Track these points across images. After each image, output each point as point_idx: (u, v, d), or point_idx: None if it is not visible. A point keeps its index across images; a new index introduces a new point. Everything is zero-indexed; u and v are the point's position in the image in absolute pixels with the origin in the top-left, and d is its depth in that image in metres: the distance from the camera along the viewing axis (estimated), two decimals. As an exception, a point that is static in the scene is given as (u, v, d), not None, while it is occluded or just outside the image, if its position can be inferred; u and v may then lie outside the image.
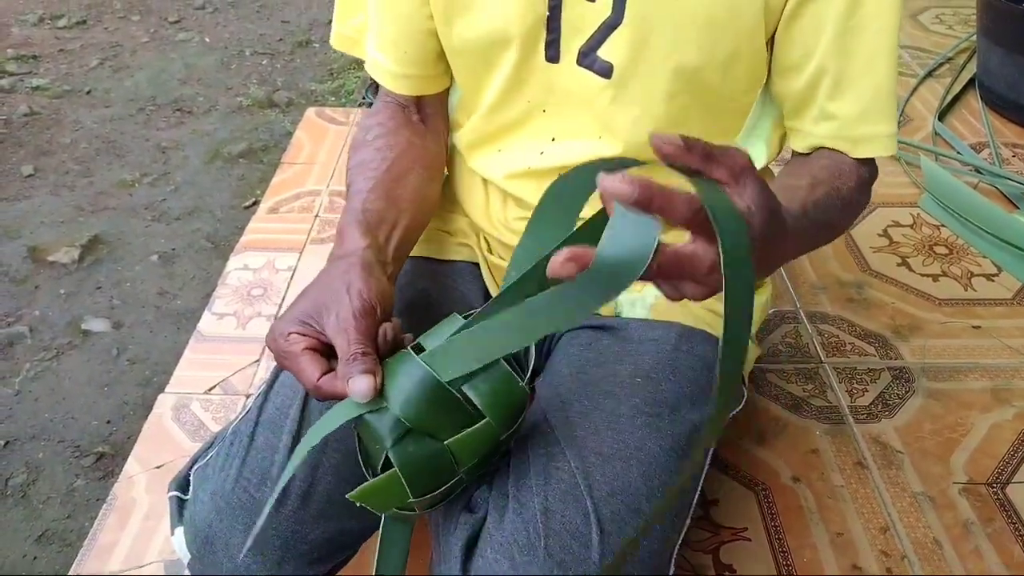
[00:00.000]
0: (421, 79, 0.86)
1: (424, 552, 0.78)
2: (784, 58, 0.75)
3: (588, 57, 0.75)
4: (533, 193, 0.83)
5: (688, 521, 0.76)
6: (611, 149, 0.78)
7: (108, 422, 1.40)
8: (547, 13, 0.74)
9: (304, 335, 0.64)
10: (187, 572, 0.75)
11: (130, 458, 1.15)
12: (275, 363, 0.81)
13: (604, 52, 0.74)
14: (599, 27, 0.74)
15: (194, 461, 0.79)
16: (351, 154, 0.84)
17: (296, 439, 0.73)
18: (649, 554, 0.69)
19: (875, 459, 1.09)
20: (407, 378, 0.60)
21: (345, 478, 0.73)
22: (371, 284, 0.66)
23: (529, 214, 0.86)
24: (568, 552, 0.65)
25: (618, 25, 0.73)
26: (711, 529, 1.00)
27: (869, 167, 0.78)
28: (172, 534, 0.76)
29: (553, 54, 0.76)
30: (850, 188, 0.73)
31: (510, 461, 0.73)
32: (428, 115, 0.88)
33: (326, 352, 0.64)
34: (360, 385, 0.59)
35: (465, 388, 0.61)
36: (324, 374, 0.62)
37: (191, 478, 0.77)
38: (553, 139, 0.81)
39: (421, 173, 0.83)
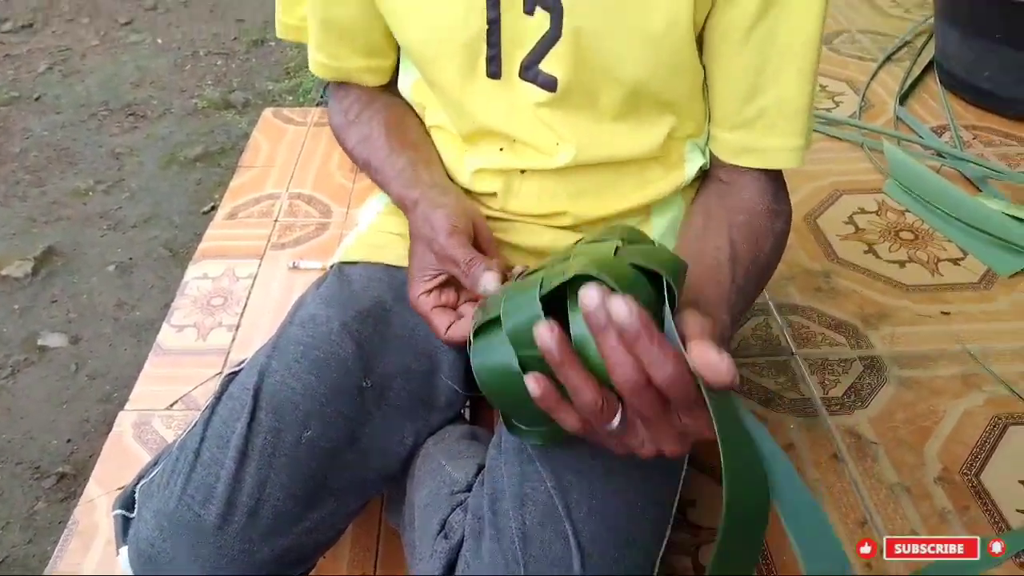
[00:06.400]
0: (371, 70, 0.88)
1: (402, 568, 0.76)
2: (708, 66, 0.75)
3: (530, 71, 0.74)
4: (492, 190, 0.82)
5: (669, 532, 0.75)
6: (567, 155, 0.77)
7: (68, 440, 1.36)
8: (486, 27, 0.72)
9: (430, 290, 0.74)
10: None
11: (90, 480, 1.11)
12: (225, 374, 0.79)
13: (546, 66, 0.73)
14: (539, 41, 0.72)
15: (140, 478, 0.77)
16: (343, 137, 0.88)
17: (243, 455, 0.70)
18: (631, 571, 0.67)
19: (850, 451, 1.08)
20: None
21: (294, 494, 0.72)
22: (445, 208, 0.74)
23: (487, 210, 0.85)
24: None
25: (558, 39, 0.71)
26: (690, 530, 0.99)
27: (783, 200, 0.79)
28: (117, 554, 0.74)
29: (495, 70, 0.75)
30: (766, 254, 0.75)
31: (485, 480, 0.71)
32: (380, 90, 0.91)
33: (454, 303, 0.74)
34: (486, 281, 0.67)
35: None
36: (451, 325, 0.72)
37: (136, 495, 0.74)
38: (514, 140, 0.79)
39: (412, 113, 0.89)
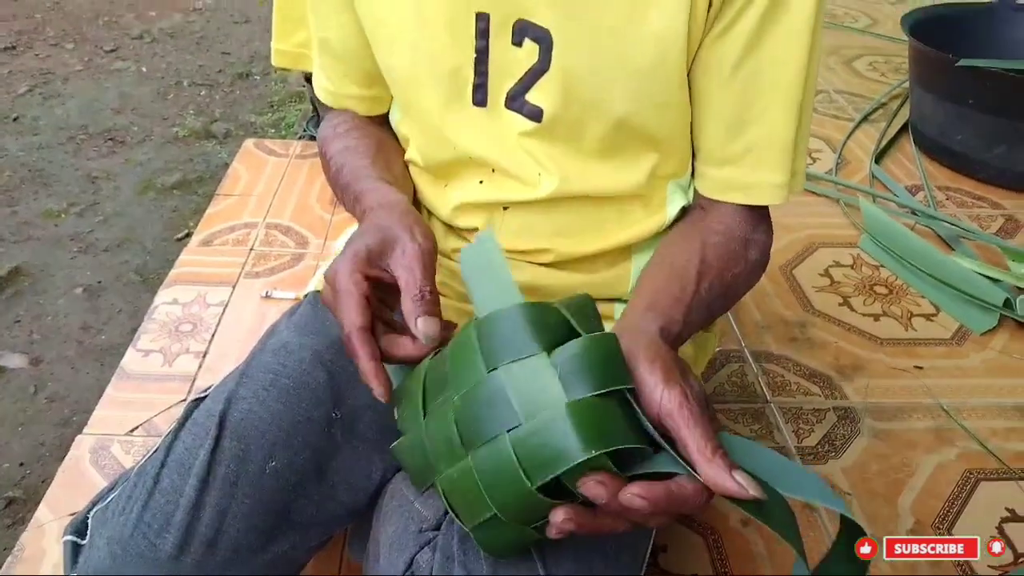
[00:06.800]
0: (365, 100, 0.85)
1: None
2: (693, 102, 0.75)
3: (516, 101, 0.74)
4: (474, 225, 0.81)
5: (643, 573, 0.73)
6: (549, 187, 0.76)
7: (21, 464, 1.31)
8: (474, 55, 0.72)
9: (368, 278, 0.61)
10: None
11: (41, 504, 1.07)
12: (190, 400, 0.76)
13: (533, 97, 0.73)
14: (526, 72, 0.72)
15: (94, 503, 0.73)
16: (326, 147, 0.83)
17: (204, 483, 0.68)
18: None
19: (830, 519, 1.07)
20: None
21: (255, 525, 0.69)
22: (428, 228, 0.66)
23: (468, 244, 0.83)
24: None
25: (545, 71, 0.71)
26: None
27: (762, 230, 0.78)
28: None
29: (480, 98, 0.74)
30: (735, 274, 0.74)
31: (454, 519, 0.69)
32: (380, 119, 0.89)
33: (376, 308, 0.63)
34: (427, 327, 0.59)
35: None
36: (366, 328, 0.60)
37: (89, 521, 0.71)
38: (493, 170, 0.79)
39: (400, 151, 0.85)
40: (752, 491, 0.49)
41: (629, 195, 0.79)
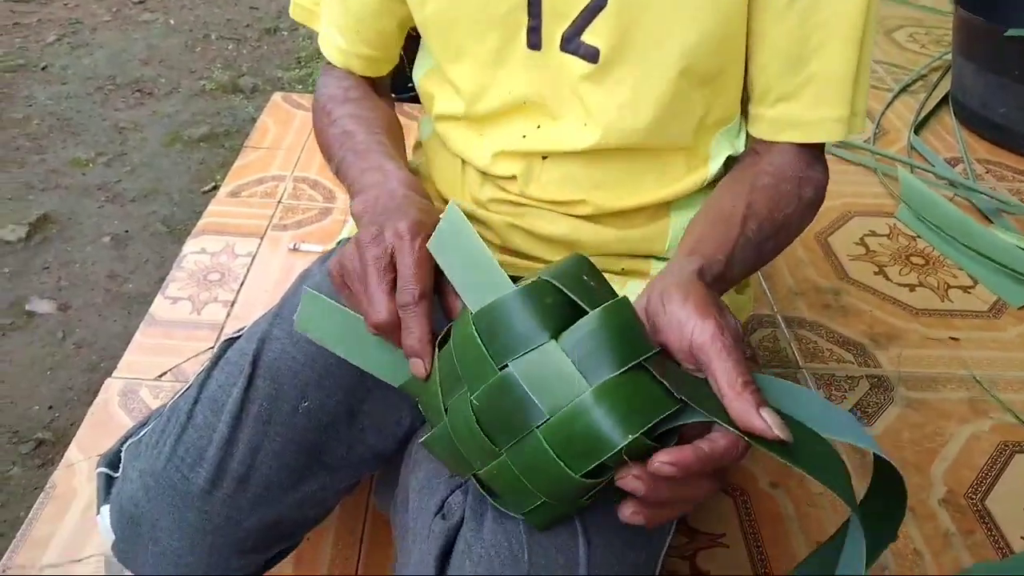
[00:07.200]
0: (372, 60, 0.84)
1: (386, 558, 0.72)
2: (748, 37, 0.72)
3: (572, 42, 0.71)
4: (511, 173, 0.79)
5: (672, 531, 0.72)
6: (595, 135, 0.74)
7: (50, 408, 1.32)
8: None
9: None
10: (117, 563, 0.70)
11: (72, 444, 1.07)
12: (223, 340, 0.76)
13: (589, 36, 0.71)
14: (582, 11, 0.70)
15: (127, 437, 0.73)
16: (332, 106, 0.81)
17: (237, 420, 0.68)
18: (636, 567, 0.64)
19: (854, 468, 1.06)
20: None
21: (286, 464, 0.69)
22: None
23: (505, 194, 0.82)
24: (554, 565, 0.60)
25: (602, 8, 0.69)
26: (688, 534, 0.96)
27: (818, 168, 0.76)
28: (98, 512, 0.71)
29: (535, 41, 0.72)
30: (787, 215, 0.71)
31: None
32: (377, 85, 0.87)
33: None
34: (417, 369, 0.58)
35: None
36: (430, 296, 0.58)
37: (122, 454, 0.71)
38: (539, 126, 0.77)
39: (400, 136, 0.83)
40: (777, 430, 0.47)
41: (673, 148, 0.77)
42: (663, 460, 0.47)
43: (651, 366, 0.50)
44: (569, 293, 0.51)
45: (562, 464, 0.50)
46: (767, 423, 0.48)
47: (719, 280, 0.62)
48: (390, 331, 0.58)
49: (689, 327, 0.52)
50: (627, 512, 0.51)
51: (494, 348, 0.51)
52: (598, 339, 0.49)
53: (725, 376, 0.50)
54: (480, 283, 0.54)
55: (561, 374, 0.49)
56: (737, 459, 0.50)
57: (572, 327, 0.50)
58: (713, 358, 0.50)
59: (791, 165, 0.74)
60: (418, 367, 0.57)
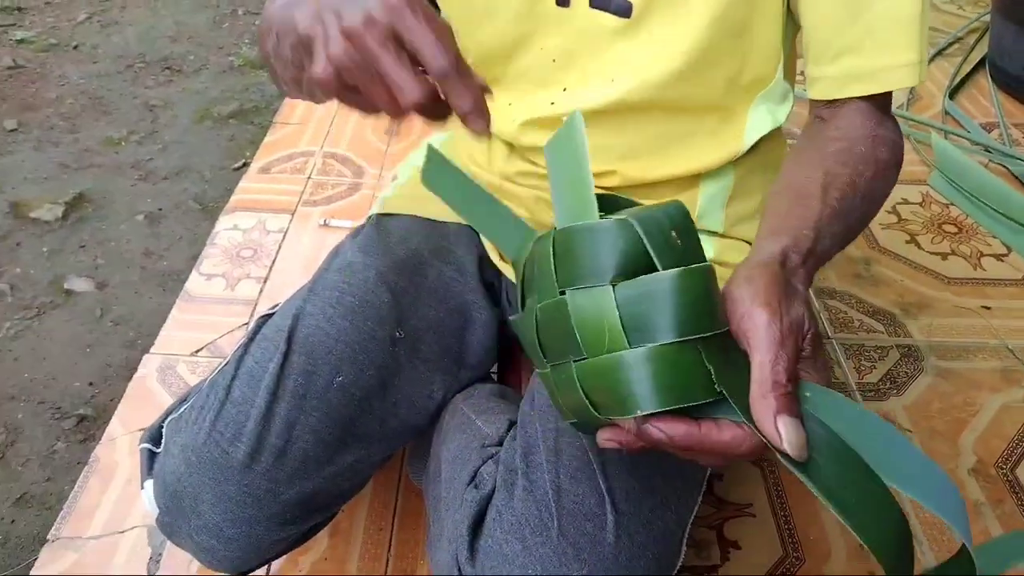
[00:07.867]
0: None
1: (419, 528, 0.74)
2: None
3: None
4: (540, 142, 0.79)
5: (700, 498, 0.73)
6: (623, 90, 0.73)
7: (90, 384, 1.35)
8: None
9: None
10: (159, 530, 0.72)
11: (113, 419, 1.11)
12: (259, 316, 0.77)
13: None
14: None
15: (168, 413, 0.76)
16: None
17: (274, 396, 0.70)
18: (663, 533, 0.65)
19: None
20: None
21: (322, 438, 0.71)
22: None
23: (533, 167, 0.82)
24: (582, 533, 0.61)
25: None
26: (716, 504, 0.97)
27: (889, 126, 0.71)
28: (142, 487, 0.73)
29: None
30: (867, 179, 0.66)
31: (517, 434, 0.70)
32: None
33: None
34: (479, 125, 0.52)
35: None
36: None
37: (164, 430, 0.73)
38: (565, 89, 0.76)
39: None
40: (787, 445, 0.44)
41: (704, 107, 0.76)
42: (657, 424, 0.46)
43: (706, 346, 0.48)
44: (647, 245, 0.49)
45: (587, 402, 0.50)
46: (779, 433, 0.45)
47: (809, 256, 0.57)
48: (429, 110, 0.51)
49: (741, 309, 0.49)
50: (602, 437, 0.51)
51: (561, 272, 0.51)
52: (658, 302, 0.47)
53: (759, 371, 0.47)
54: (572, 201, 0.53)
55: (605, 321, 0.48)
56: (746, 456, 0.48)
57: (634, 280, 0.48)
58: (755, 349, 0.47)
59: (861, 125, 0.69)
60: (480, 123, 0.52)
